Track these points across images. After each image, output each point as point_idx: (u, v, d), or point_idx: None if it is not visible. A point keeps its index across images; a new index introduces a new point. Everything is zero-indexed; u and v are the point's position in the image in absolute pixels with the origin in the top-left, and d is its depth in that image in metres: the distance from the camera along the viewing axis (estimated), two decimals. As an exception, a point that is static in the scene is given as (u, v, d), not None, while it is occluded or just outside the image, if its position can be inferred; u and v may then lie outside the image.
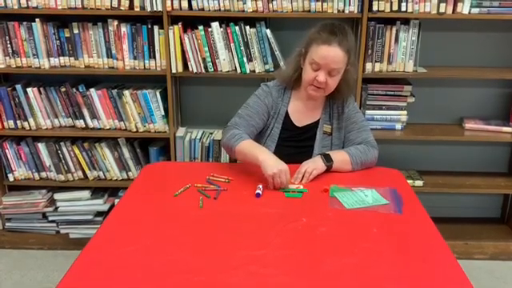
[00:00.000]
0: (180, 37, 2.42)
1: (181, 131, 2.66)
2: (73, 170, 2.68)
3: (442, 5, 2.34)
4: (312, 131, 2.04)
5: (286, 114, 2.04)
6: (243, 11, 2.36)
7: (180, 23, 2.42)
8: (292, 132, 2.04)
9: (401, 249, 1.40)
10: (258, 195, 1.70)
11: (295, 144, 2.04)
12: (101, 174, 2.69)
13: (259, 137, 2.07)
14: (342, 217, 1.57)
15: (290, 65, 2.04)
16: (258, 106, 2.01)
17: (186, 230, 1.50)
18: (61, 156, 2.65)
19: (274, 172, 1.72)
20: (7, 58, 2.51)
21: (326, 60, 1.84)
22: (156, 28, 2.43)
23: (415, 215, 1.60)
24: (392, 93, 2.55)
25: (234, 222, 1.55)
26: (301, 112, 2.05)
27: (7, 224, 2.78)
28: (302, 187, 1.78)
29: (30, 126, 2.60)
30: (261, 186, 1.73)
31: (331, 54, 1.83)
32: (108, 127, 2.60)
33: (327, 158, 1.88)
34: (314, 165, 1.85)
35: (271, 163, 1.75)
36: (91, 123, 2.60)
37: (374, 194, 1.71)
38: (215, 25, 2.40)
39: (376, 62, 2.45)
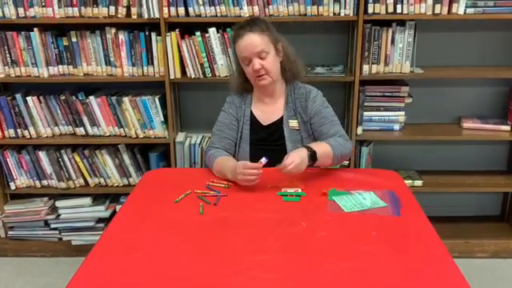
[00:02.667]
0: (177, 43, 2.43)
1: (180, 136, 2.67)
2: (74, 177, 2.69)
3: (438, 6, 2.34)
4: (279, 128, 2.08)
5: (251, 114, 2.11)
6: (240, 16, 2.37)
7: (177, 29, 2.43)
8: (260, 131, 2.10)
9: (399, 251, 1.41)
10: (265, 160, 1.78)
11: (266, 142, 2.09)
12: (102, 180, 2.71)
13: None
14: (340, 220, 1.59)
15: (235, 72, 2.21)
16: (224, 118, 2.13)
17: (186, 236, 1.52)
18: (62, 164, 2.67)
19: (239, 178, 1.81)
20: (6, 67, 2.52)
21: (247, 49, 1.95)
22: (153, 35, 2.44)
23: (413, 217, 1.61)
24: (389, 94, 2.56)
25: (234, 227, 1.56)
26: (264, 111, 2.12)
27: (10, 232, 2.80)
28: (300, 190, 1.79)
29: (30, 135, 2.62)
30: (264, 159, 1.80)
31: (247, 41, 1.95)
32: (108, 134, 2.62)
33: (313, 157, 1.83)
34: (299, 160, 1.78)
35: (235, 175, 1.84)
36: (91, 130, 2.61)
37: (373, 196, 1.72)
38: (212, 30, 2.42)
39: (373, 63, 2.46)
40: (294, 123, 2.07)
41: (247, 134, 2.10)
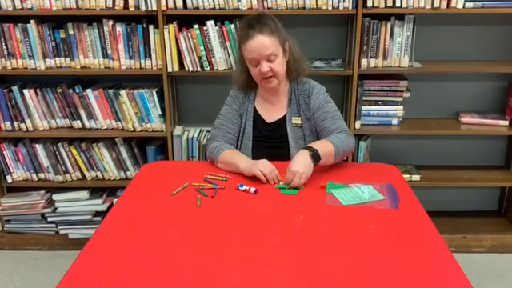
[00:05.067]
0: (175, 36, 2.42)
1: (178, 130, 2.66)
2: (71, 170, 2.68)
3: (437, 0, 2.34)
4: (282, 125, 2.07)
5: (255, 111, 2.09)
6: (238, 9, 2.36)
7: (175, 22, 2.42)
8: (263, 128, 2.08)
9: (397, 244, 1.41)
10: (255, 191, 1.71)
11: (269, 139, 2.07)
12: (99, 174, 2.70)
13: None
14: (338, 213, 1.58)
15: (237, 69, 2.14)
16: (228, 112, 2.10)
17: (184, 229, 1.51)
18: (58, 157, 2.65)
19: (259, 169, 1.77)
20: (3, 59, 2.51)
21: (257, 51, 1.90)
22: (151, 27, 2.43)
23: (411, 211, 1.61)
24: (388, 88, 2.55)
25: (232, 220, 1.56)
26: (267, 109, 2.10)
27: (6, 226, 2.79)
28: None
29: (27, 128, 2.60)
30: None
31: (257, 44, 1.89)
32: (105, 127, 2.61)
33: (315, 157, 1.80)
34: (303, 169, 1.75)
35: (252, 165, 1.81)
36: (88, 124, 2.60)
37: (371, 190, 1.72)
38: (210, 23, 2.40)
39: (371, 57, 2.46)
40: (297, 120, 2.06)
41: (250, 131, 2.08)
